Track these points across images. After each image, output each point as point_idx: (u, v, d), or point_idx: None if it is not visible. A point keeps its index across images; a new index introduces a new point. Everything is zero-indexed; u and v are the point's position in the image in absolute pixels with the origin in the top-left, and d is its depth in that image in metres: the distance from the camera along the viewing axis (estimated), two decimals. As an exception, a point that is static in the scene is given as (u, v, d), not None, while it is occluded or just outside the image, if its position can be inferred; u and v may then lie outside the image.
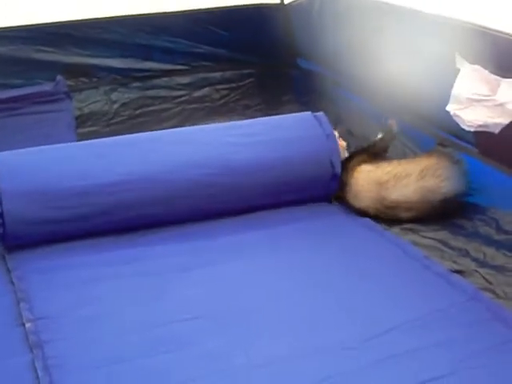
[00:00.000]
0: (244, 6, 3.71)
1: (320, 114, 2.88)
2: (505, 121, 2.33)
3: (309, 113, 2.90)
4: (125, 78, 3.62)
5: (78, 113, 3.47)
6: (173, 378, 1.85)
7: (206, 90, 3.74)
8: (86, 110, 3.51)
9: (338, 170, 2.76)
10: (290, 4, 3.73)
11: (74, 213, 2.52)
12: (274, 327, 2.07)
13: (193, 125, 3.57)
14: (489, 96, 2.36)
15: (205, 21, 3.66)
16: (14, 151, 2.62)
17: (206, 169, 2.64)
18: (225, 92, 3.77)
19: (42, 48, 3.45)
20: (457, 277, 2.31)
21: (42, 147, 2.67)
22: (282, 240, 2.56)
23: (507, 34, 2.27)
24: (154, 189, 2.59)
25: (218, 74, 3.77)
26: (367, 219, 2.68)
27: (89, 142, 2.83)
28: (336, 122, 3.16)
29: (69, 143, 2.85)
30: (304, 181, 2.76)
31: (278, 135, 2.79)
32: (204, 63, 3.74)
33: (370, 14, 3.00)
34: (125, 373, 1.88)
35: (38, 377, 1.86)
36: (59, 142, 3.13)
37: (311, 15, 3.49)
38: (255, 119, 3.01)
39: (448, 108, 2.48)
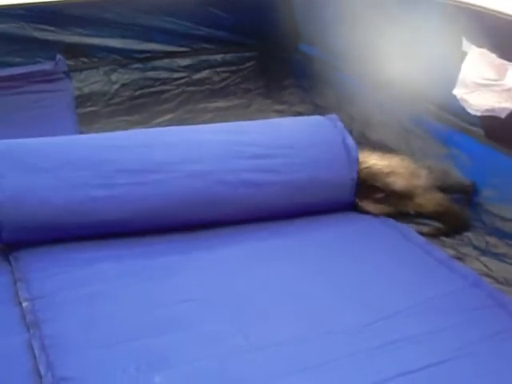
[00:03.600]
0: None
1: (333, 116, 2.83)
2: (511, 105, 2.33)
3: (323, 117, 2.84)
4: (125, 58, 3.63)
5: (77, 93, 3.47)
6: (172, 359, 1.85)
7: (206, 73, 3.75)
8: (86, 90, 3.52)
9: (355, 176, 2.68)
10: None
11: (70, 226, 2.46)
12: (274, 312, 2.07)
13: (193, 107, 3.55)
14: (496, 80, 2.35)
15: (207, 3, 3.65)
16: (13, 141, 2.57)
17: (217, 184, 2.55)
18: (225, 75, 3.78)
19: (43, 27, 3.45)
20: (458, 263, 2.32)
21: (43, 138, 2.62)
22: (290, 234, 2.53)
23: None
24: (164, 205, 2.51)
25: (218, 57, 3.78)
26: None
27: (94, 137, 2.79)
28: (337, 107, 3.15)
29: (71, 136, 2.81)
30: (325, 192, 2.67)
31: (298, 151, 2.68)
32: (205, 45, 3.76)
33: (372, 0, 2.99)
34: (123, 353, 1.88)
35: (35, 356, 1.86)
36: (58, 122, 3.13)
37: (313, 1, 3.47)
38: (266, 123, 2.94)
39: (455, 92, 2.47)
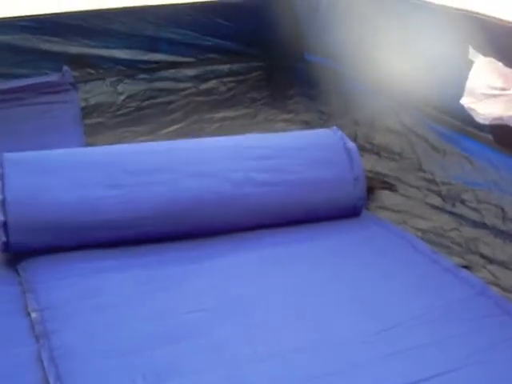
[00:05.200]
0: None
1: (334, 128, 2.86)
2: None
3: (328, 130, 2.87)
4: (131, 69, 3.63)
5: (83, 104, 3.47)
6: (180, 369, 1.86)
7: (212, 83, 3.76)
8: (92, 101, 3.52)
9: (362, 184, 2.73)
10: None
11: (80, 226, 2.47)
12: (283, 320, 2.08)
13: (199, 117, 3.57)
14: (504, 89, 2.35)
15: (212, 13, 3.68)
16: (20, 154, 2.60)
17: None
18: (231, 85, 3.78)
19: (49, 38, 3.46)
20: (465, 272, 2.32)
21: (50, 151, 2.65)
22: (299, 241, 2.55)
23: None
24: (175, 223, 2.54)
25: (224, 67, 3.79)
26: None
27: (100, 151, 2.80)
28: (342, 114, 3.17)
29: (78, 149, 2.85)
30: (331, 200, 2.70)
31: (301, 152, 2.75)
32: (211, 55, 3.77)
33: (378, 6, 3.00)
34: (131, 363, 1.89)
35: (44, 367, 1.86)
36: (65, 133, 3.15)
37: (318, 8, 3.49)
38: (274, 136, 2.96)
39: (462, 101, 2.48)
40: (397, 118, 3.04)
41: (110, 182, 2.51)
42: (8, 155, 2.52)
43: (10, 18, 3.35)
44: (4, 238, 2.39)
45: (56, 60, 3.45)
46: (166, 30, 3.63)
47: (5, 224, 2.38)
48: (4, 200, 2.40)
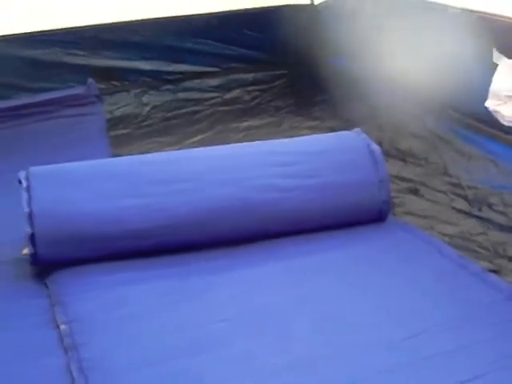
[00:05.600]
0: (274, 7, 3.76)
1: (357, 130, 2.81)
2: None
3: (351, 132, 2.83)
4: (156, 80, 3.66)
5: (109, 116, 3.50)
6: (207, 379, 1.85)
7: (237, 92, 3.78)
8: (117, 113, 3.56)
9: (387, 187, 2.69)
10: (320, 4, 3.75)
11: (106, 236, 2.47)
12: (308, 329, 2.06)
13: (225, 127, 3.57)
14: None
15: (234, 22, 3.68)
16: (45, 167, 2.60)
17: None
18: (256, 93, 3.82)
19: (74, 51, 3.52)
20: (493, 276, 2.29)
21: (75, 163, 2.65)
22: (325, 250, 2.52)
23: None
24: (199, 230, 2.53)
25: (248, 76, 3.82)
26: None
27: (124, 161, 2.81)
28: (368, 119, 3.16)
29: (102, 160, 2.86)
30: (356, 203, 2.66)
31: (323, 156, 2.71)
32: (234, 65, 3.78)
33: (403, 13, 3.00)
34: (160, 374, 1.88)
35: (73, 379, 1.86)
36: (91, 145, 3.16)
37: (341, 15, 3.50)
38: (296, 141, 2.93)
39: (487, 104, 2.49)
40: (421, 122, 3.05)
41: (134, 192, 2.50)
42: (33, 169, 2.53)
43: (35, 32, 3.39)
44: (32, 251, 2.39)
45: (81, 73, 3.51)
46: (189, 41, 3.67)
47: (32, 236, 2.38)
48: (31, 213, 2.39)
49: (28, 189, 2.45)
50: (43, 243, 2.39)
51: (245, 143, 2.85)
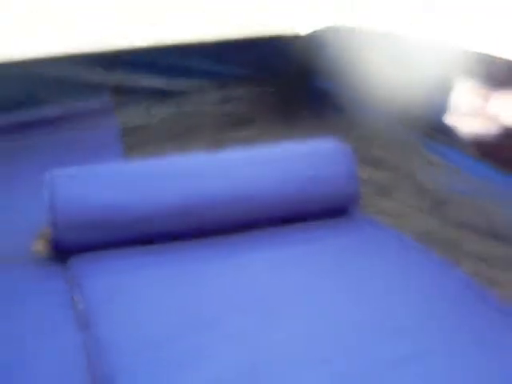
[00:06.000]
0: (266, 36, 3.80)
1: (330, 137, 2.78)
2: (496, 128, 2.37)
3: (325, 139, 2.80)
4: (162, 95, 3.66)
5: (122, 126, 3.50)
6: (209, 354, 1.86)
7: (233, 106, 3.77)
8: (130, 124, 3.54)
9: (356, 186, 2.64)
10: (306, 35, 3.83)
11: (122, 224, 2.47)
12: (297, 312, 2.05)
13: (223, 136, 3.58)
14: (482, 108, 2.39)
15: (234, 45, 3.69)
16: (66, 168, 2.59)
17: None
18: (249, 107, 3.82)
19: (93, 70, 3.53)
20: (452, 267, 2.28)
21: (95, 165, 2.65)
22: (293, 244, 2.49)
23: (494, 56, 2.31)
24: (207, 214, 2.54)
25: (244, 91, 3.79)
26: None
27: (141, 162, 2.79)
28: (347, 130, 3.19)
29: (118, 163, 2.91)
30: (324, 196, 2.63)
31: (294, 152, 2.71)
32: (232, 82, 3.77)
33: (376, 43, 3.05)
34: (167, 351, 1.88)
35: (88, 354, 1.88)
36: (107, 151, 3.17)
37: (325, 44, 3.53)
38: (279, 146, 2.90)
39: (447, 119, 2.51)
40: (393, 134, 3.06)
41: (145, 184, 2.52)
42: (55, 170, 2.54)
43: (61, 54, 3.43)
44: (54, 236, 2.39)
45: (98, 89, 3.53)
46: (193, 60, 3.66)
47: (54, 223, 2.38)
48: (53, 202, 2.40)
49: (50, 185, 2.45)
50: (64, 230, 2.39)
51: (236, 149, 2.87)
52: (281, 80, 3.87)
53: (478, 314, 1.98)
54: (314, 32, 3.70)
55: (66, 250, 2.41)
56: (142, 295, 2.15)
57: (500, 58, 2.29)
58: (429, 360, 1.79)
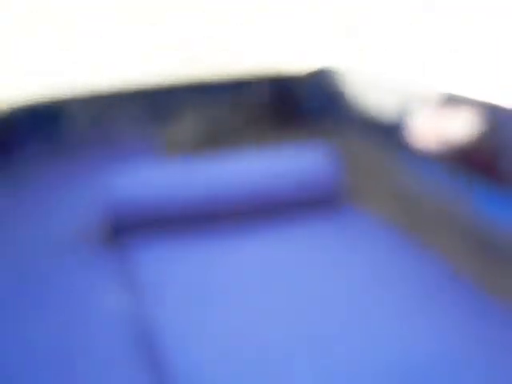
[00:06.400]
0: (279, 75, 3.57)
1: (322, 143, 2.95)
2: (445, 144, 2.47)
3: (316, 144, 2.98)
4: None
5: None
6: (233, 320, 1.79)
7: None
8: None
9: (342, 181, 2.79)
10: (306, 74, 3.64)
11: (171, 210, 2.49)
12: (297, 286, 2.02)
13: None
14: (437, 128, 2.51)
15: (248, 85, 3.57)
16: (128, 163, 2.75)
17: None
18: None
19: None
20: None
21: (150, 162, 2.82)
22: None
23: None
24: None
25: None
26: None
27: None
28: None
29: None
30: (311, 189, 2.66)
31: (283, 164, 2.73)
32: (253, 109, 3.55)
33: (363, 87, 3.22)
34: (196, 315, 1.83)
35: (139, 323, 1.86)
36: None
37: (322, 83, 3.59)
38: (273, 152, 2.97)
39: (409, 134, 2.72)
40: (374, 148, 3.19)
41: (185, 180, 2.59)
42: (115, 162, 2.72)
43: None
44: (110, 220, 2.46)
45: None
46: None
47: (113, 210, 2.43)
48: (112, 191, 2.47)
49: (111, 175, 2.55)
50: (120, 216, 2.44)
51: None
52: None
53: (440, 288, 1.94)
54: (317, 71, 3.55)
55: (122, 234, 2.46)
56: (183, 274, 2.15)
57: (452, 95, 2.35)
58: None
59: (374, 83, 3.07)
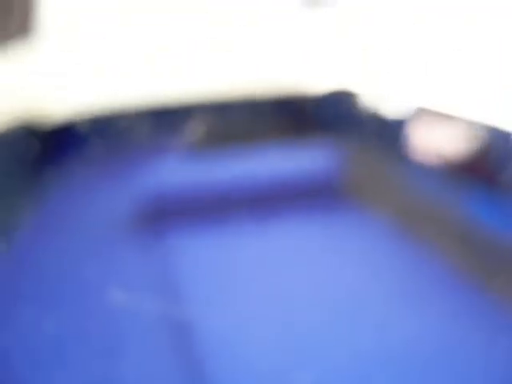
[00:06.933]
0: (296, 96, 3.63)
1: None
2: (437, 155, 2.41)
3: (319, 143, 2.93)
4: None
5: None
6: (240, 302, 1.81)
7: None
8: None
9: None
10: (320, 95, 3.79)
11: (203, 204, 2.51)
12: (297, 273, 1.94)
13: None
14: (430, 140, 2.44)
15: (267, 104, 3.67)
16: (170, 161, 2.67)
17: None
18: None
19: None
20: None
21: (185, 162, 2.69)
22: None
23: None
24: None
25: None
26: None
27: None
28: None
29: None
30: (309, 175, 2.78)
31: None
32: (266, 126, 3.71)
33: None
34: (216, 295, 1.78)
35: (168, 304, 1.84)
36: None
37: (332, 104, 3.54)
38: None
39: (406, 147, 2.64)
40: (373, 154, 3.17)
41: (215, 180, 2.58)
42: (159, 161, 2.62)
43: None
44: (151, 210, 2.48)
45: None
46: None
47: (154, 202, 2.50)
48: (154, 184, 2.50)
49: (155, 169, 2.59)
50: (158, 206, 2.50)
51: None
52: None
53: (432, 277, 1.98)
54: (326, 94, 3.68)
55: (158, 221, 2.48)
56: (213, 260, 1.91)
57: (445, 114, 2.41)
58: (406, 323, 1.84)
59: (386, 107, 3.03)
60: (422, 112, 2.62)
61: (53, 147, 2.94)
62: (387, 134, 3.14)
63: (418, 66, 3.10)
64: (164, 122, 3.53)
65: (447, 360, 1.24)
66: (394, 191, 2.81)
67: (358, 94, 3.28)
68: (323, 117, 3.58)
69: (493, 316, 1.39)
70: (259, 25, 3.41)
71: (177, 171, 2.61)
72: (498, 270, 1.79)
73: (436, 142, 2.49)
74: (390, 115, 3.08)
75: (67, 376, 1.23)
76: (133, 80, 3.47)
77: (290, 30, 3.39)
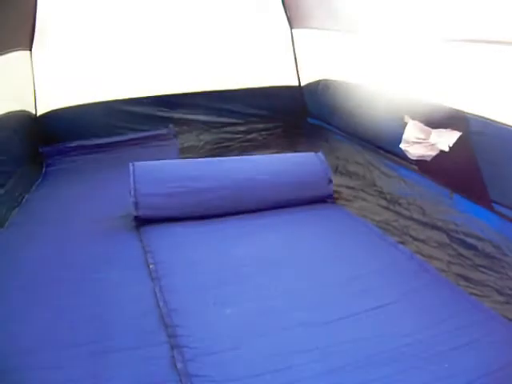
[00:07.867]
0: (276, 86, 3.74)
1: (319, 153, 2.82)
2: (434, 153, 2.36)
3: (310, 153, 2.84)
4: (207, 126, 3.64)
5: (180, 146, 3.49)
6: (237, 300, 1.87)
7: (254, 135, 3.74)
8: (185, 145, 3.53)
9: (331, 186, 2.69)
10: (304, 86, 3.78)
11: (185, 203, 2.41)
12: (293, 272, 2.05)
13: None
14: (425, 139, 2.39)
15: (254, 94, 3.68)
16: (144, 162, 2.59)
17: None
18: (265, 136, 3.75)
19: (161, 108, 3.53)
20: (401, 246, 2.28)
21: (162, 161, 2.69)
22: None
23: (433, 104, 2.30)
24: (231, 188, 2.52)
25: (261, 125, 3.77)
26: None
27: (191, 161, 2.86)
28: (330, 153, 3.19)
29: (179, 160, 3.03)
30: (306, 186, 2.63)
31: (288, 166, 2.71)
32: (253, 119, 3.75)
33: (349, 92, 3.03)
34: (207, 295, 1.91)
35: (156, 297, 1.89)
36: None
37: (316, 92, 3.52)
38: (277, 155, 2.98)
39: (401, 146, 2.51)
40: (362, 156, 3.06)
41: (198, 174, 2.51)
42: (136, 163, 2.56)
43: (137, 97, 3.43)
44: (135, 213, 2.37)
45: (164, 121, 3.52)
46: (228, 104, 3.66)
47: (136, 204, 2.37)
48: (136, 188, 2.39)
49: (133, 173, 2.47)
50: (142, 208, 2.37)
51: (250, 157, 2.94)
52: (286, 118, 3.79)
53: (416, 276, 2.01)
54: (309, 84, 3.69)
55: (142, 221, 2.38)
56: (193, 257, 2.14)
57: (438, 105, 2.28)
58: (389, 309, 1.81)
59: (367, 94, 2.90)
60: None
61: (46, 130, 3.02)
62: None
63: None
64: (156, 119, 3.35)
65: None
66: (377, 192, 2.68)
67: (339, 83, 2.97)
68: (309, 101, 3.42)
69: None
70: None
71: (164, 167, 2.59)
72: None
73: (428, 139, 2.24)
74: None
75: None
76: (131, 79, 3.36)
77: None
